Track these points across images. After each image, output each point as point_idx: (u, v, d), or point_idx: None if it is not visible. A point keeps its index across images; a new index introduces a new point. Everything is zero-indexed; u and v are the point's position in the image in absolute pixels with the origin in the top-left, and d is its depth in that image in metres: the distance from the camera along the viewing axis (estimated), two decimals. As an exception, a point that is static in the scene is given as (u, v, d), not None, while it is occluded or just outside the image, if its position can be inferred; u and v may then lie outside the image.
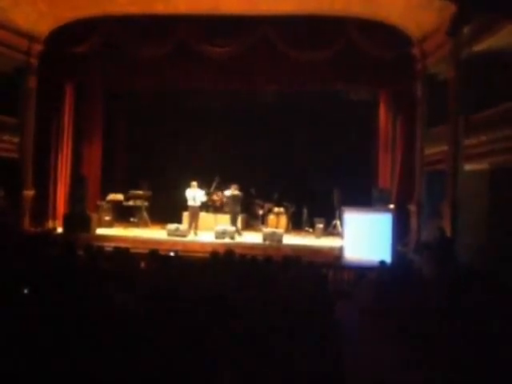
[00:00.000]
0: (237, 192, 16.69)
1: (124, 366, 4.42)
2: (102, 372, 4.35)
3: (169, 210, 18.39)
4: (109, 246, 12.77)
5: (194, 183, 16.70)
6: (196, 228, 16.61)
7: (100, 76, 18.10)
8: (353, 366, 5.30)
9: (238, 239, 16.14)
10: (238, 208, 16.91)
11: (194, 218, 16.70)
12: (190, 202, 16.63)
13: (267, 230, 16.45)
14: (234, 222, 16.79)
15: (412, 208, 15.55)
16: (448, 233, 12.76)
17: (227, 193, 16.97)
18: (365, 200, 16.14)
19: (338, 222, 17.05)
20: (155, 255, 9.59)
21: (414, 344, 5.62)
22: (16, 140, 16.45)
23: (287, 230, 17.79)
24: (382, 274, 9.25)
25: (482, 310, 6.21)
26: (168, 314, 5.28)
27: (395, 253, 13.45)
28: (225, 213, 18.33)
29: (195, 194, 16.61)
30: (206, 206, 17.86)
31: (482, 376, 4.90)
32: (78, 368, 4.32)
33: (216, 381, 4.39)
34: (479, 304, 6.43)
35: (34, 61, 16.76)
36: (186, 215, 17.61)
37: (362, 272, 11.79)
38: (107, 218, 17.99)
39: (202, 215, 17.45)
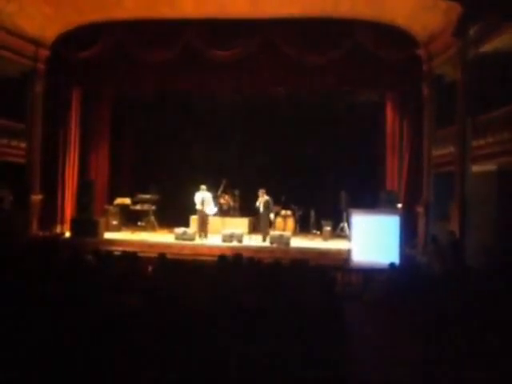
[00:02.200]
0: (266, 197, 16.72)
1: (129, 367, 4.42)
2: (107, 374, 4.35)
3: (176, 213, 18.40)
4: (116, 250, 12.78)
5: (204, 187, 16.73)
6: (205, 231, 16.61)
7: (107, 80, 18.14)
8: (362, 367, 5.29)
9: (265, 244, 16.18)
10: (268, 212, 16.92)
11: (203, 222, 16.72)
12: (199, 206, 16.64)
13: (275, 232, 16.43)
14: (265, 227, 16.82)
15: (420, 210, 15.51)
16: (456, 234, 12.73)
17: (260, 199, 16.87)
18: (372, 202, 16.11)
19: (346, 225, 17.01)
20: (163, 259, 9.59)
21: (424, 344, 5.61)
22: (23, 145, 16.51)
23: (295, 233, 17.76)
24: (391, 275, 9.23)
25: (490, 311, 6.19)
26: (176, 318, 5.28)
27: (403, 255, 13.39)
28: (232, 216, 18.40)
29: (204, 198, 16.62)
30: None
31: (492, 374, 4.89)
32: (84, 370, 4.33)
33: (225, 381, 4.39)
34: (489, 304, 6.41)
35: (40, 66, 16.81)
36: (193, 218, 17.64)
37: (370, 274, 11.77)
38: (115, 222, 18.01)
39: (210, 218, 17.45)
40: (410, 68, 16.03)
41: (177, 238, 16.04)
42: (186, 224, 17.50)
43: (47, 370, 4.32)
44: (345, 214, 17.11)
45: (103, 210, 18.16)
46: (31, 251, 10.77)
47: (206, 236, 16.51)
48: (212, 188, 17.35)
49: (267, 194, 16.79)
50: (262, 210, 16.77)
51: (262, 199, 16.73)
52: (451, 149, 14.02)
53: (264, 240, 16.38)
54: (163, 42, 16.31)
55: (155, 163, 20.74)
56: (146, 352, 4.66)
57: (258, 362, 4.60)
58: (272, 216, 17.04)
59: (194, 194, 16.80)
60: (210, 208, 16.79)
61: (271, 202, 16.78)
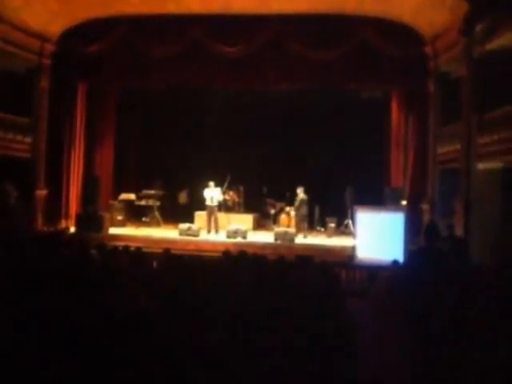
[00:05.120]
0: (302, 195, 16.86)
1: (131, 363, 4.42)
2: (113, 372, 4.35)
3: (181, 209, 18.42)
4: (121, 245, 12.78)
5: (212, 183, 16.86)
6: (216, 227, 16.74)
7: (112, 76, 18.15)
8: (366, 365, 5.28)
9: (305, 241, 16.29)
10: (304, 211, 17.05)
11: (212, 218, 16.83)
12: (208, 202, 16.77)
13: (279, 229, 16.43)
14: (300, 224, 17.06)
15: (425, 207, 15.50)
16: (461, 232, 12.72)
17: (301, 196, 17.04)
18: (377, 199, 16.09)
19: (350, 221, 17.01)
20: (168, 255, 9.62)
21: (427, 343, 5.60)
22: (29, 140, 16.54)
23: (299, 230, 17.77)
24: (395, 272, 9.22)
25: (494, 310, 6.17)
26: (180, 314, 5.28)
27: (408, 252, 13.37)
28: (237, 212, 18.42)
29: (213, 194, 16.74)
30: (218, 206, 17.96)
31: (495, 373, 4.86)
32: (89, 369, 4.33)
33: (227, 380, 4.38)
34: (491, 304, 6.39)
35: (46, 61, 16.84)
36: (198, 214, 17.77)
37: (374, 271, 11.76)
38: (119, 218, 18.05)
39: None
40: (415, 65, 15.99)
41: (181, 234, 16.06)
42: (191, 220, 17.53)
43: (48, 366, 4.32)
44: (349, 211, 17.10)
45: (108, 206, 18.18)
46: (36, 246, 10.79)
47: (217, 231, 16.64)
48: (217, 184, 17.38)
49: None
50: (298, 208, 17.03)
51: (299, 197, 16.90)
52: (456, 146, 13.99)
53: (304, 237, 16.70)
54: (169, 37, 16.33)
55: (160, 159, 20.75)
56: (149, 348, 4.67)
57: (258, 359, 4.60)
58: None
59: (198, 190, 16.91)
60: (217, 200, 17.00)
61: (306, 200, 16.92)
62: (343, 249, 14.99)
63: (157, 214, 18.32)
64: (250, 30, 16.15)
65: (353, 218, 15.98)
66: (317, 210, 18.47)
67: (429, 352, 5.39)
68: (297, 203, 17.03)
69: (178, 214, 18.25)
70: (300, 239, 16.29)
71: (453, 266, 9.47)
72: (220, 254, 9.82)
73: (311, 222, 18.61)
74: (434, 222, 12.41)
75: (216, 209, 16.96)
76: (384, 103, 18.40)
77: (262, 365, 4.52)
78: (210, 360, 4.49)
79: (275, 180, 18.98)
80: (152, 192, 18.34)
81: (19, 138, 16.08)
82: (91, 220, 16.44)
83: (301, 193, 16.87)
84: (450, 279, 7.21)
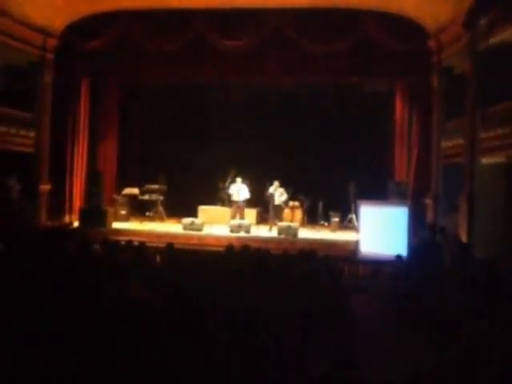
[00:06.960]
0: (271, 189, 17.22)
1: (134, 357, 4.42)
2: (115, 368, 4.35)
3: (184, 204, 18.43)
4: (124, 240, 12.80)
5: (239, 179, 17.13)
6: None
7: (116, 70, 18.16)
8: (368, 362, 5.27)
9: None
10: (273, 202, 17.38)
11: (238, 213, 17.02)
12: (235, 198, 16.98)
13: (282, 223, 16.43)
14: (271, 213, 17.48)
15: (428, 201, 15.47)
16: (464, 226, 12.72)
17: (270, 189, 17.31)
18: (381, 193, 16.07)
19: (354, 216, 16.99)
20: (171, 249, 9.63)
21: (430, 340, 5.59)
22: (32, 135, 16.52)
23: (302, 224, 17.75)
24: (398, 268, 9.22)
25: (497, 308, 6.16)
26: (183, 309, 5.29)
27: (411, 247, 13.35)
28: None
29: (240, 190, 16.93)
30: (221, 200, 17.98)
31: (501, 371, 4.86)
32: (90, 363, 4.34)
33: (227, 378, 4.39)
34: (496, 301, 6.38)
35: (49, 56, 16.82)
36: (201, 209, 18.03)
37: (377, 266, 11.76)
38: (123, 212, 18.06)
39: (218, 209, 17.54)
40: (419, 59, 15.92)
41: (185, 228, 16.07)
42: (194, 214, 17.55)
43: (50, 360, 4.33)
44: (353, 206, 17.08)
45: (111, 200, 18.21)
46: (39, 241, 10.81)
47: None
48: (221, 178, 17.40)
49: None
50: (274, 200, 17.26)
51: (270, 190, 17.15)
52: (460, 140, 13.96)
53: (270, 229, 16.85)
54: (171, 32, 16.27)
55: (163, 153, 20.73)
56: (152, 342, 4.67)
57: (261, 355, 4.60)
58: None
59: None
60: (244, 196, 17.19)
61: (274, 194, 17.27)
62: (347, 243, 14.99)
63: (160, 208, 18.33)
64: (253, 25, 16.09)
65: (356, 213, 15.97)
66: (320, 205, 18.45)
67: (431, 351, 5.38)
68: (268, 194, 17.34)
69: (182, 208, 18.24)
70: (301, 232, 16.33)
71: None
72: (223, 249, 9.84)
73: (315, 217, 18.62)
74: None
75: (243, 205, 17.15)
76: (388, 97, 18.34)
77: (265, 361, 4.52)
78: (211, 355, 4.49)
79: (279, 174, 18.91)
80: (155, 186, 18.33)
81: (22, 132, 16.06)
82: (95, 215, 16.44)
83: (277, 187, 17.26)
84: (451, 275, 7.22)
